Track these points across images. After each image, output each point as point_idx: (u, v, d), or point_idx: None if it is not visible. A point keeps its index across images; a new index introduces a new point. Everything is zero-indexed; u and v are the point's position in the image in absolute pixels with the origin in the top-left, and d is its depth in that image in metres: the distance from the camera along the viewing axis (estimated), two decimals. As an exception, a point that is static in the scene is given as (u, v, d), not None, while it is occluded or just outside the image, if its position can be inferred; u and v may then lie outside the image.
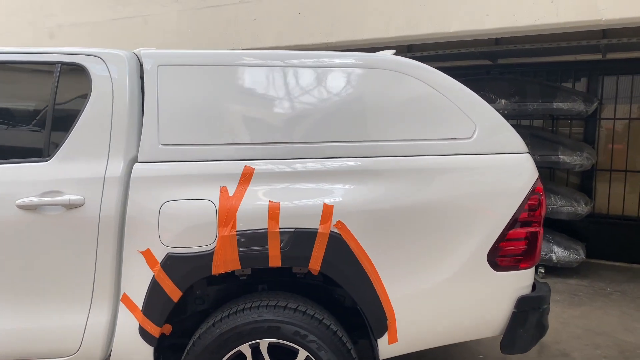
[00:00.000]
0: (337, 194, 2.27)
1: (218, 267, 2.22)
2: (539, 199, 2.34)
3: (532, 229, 2.33)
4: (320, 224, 2.23)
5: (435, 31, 4.33)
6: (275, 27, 5.10)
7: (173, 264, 2.21)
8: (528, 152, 2.42)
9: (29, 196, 2.22)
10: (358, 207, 2.25)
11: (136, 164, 2.28)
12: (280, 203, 2.24)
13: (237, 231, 2.21)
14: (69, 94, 2.39)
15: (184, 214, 2.22)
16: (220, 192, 2.24)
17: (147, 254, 2.23)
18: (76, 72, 2.38)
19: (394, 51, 2.77)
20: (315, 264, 2.24)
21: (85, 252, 2.24)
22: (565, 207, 5.32)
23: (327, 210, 2.24)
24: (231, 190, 2.25)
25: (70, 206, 2.23)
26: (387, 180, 2.28)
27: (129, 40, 6.06)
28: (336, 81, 2.38)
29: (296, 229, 2.22)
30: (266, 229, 2.21)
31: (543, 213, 2.37)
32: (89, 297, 2.27)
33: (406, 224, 2.27)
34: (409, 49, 6.34)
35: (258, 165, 2.28)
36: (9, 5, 7.25)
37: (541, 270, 5.42)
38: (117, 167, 2.28)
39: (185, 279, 2.23)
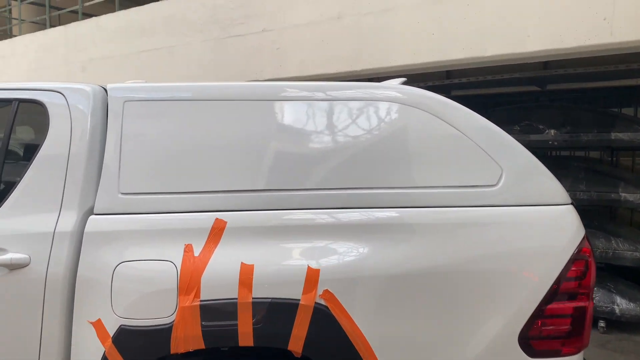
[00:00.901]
0: (325, 254, 1.84)
1: (178, 345, 1.81)
2: (587, 264, 1.82)
3: (579, 303, 1.81)
4: (302, 294, 1.80)
5: (470, 56, 3.87)
6: (298, 55, 4.79)
7: (126, 339, 1.83)
8: (571, 204, 1.91)
9: (-31, 254, 1.91)
10: (351, 272, 1.81)
11: (91, 216, 1.94)
12: (255, 265, 1.83)
13: (200, 301, 1.81)
14: (25, 136, 2.10)
15: (140, 277, 1.85)
16: (184, 251, 1.86)
17: (98, 326, 1.86)
18: (35, 110, 2.09)
19: (403, 79, 2.34)
20: (296, 345, 1.80)
21: (29, 320, 1.90)
22: (629, 252, 4.63)
23: (312, 275, 1.81)
24: (197, 249, 1.86)
25: (13, 266, 1.90)
26: (389, 238, 1.83)
27: (154, 71, 5.91)
28: (331, 115, 1.98)
29: (272, 300, 1.80)
30: (236, 298, 1.80)
31: (592, 282, 1.84)
32: (33, 374, 1.92)
33: (414, 295, 1.80)
34: (447, 75, 5.87)
35: (231, 218, 1.89)
36: (46, 41, 7.33)
37: (602, 324, 4.71)
38: (69, 220, 1.94)
39: (139, 358, 1.84)
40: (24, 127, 2.12)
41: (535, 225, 1.84)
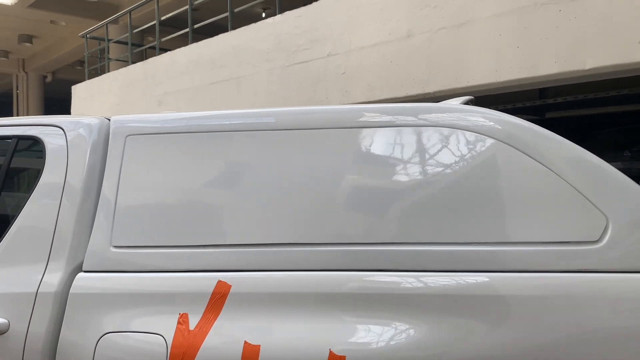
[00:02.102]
0: (355, 334, 1.36)
1: None
2: None
3: None
4: (322, 388, 1.33)
5: (565, 70, 3.25)
6: (365, 80, 4.38)
7: None
8: None
9: (-52, 315, 1.65)
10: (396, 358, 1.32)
11: (79, 274, 1.61)
12: (262, 346, 1.39)
13: (194, 389, 1.40)
14: (22, 178, 1.85)
15: (125, 353, 1.48)
16: (178, 322, 1.47)
17: (78, 411, 1.51)
18: (34, 148, 1.84)
19: (470, 97, 1.84)
20: None
21: (6, 397, 1.59)
22: None
23: (335, 363, 1.34)
24: (194, 321, 1.46)
25: (-9, 332, 1.61)
26: (438, 313, 1.33)
27: (224, 102, 5.78)
28: (363, 147, 1.52)
29: (282, 394, 1.35)
30: (236, 389, 1.37)
31: None
32: None
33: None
34: (541, 94, 5.19)
35: (238, 281, 1.48)
36: (128, 77, 7.52)
37: None
38: (55, 278, 1.63)
39: None
40: (21, 166, 1.88)
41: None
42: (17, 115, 17.63)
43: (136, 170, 1.67)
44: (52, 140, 1.80)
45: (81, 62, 10.95)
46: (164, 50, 7.07)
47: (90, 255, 1.61)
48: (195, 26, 6.57)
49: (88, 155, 1.74)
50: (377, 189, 1.45)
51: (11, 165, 1.84)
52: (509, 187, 1.40)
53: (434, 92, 3.93)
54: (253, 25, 5.41)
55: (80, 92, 8.69)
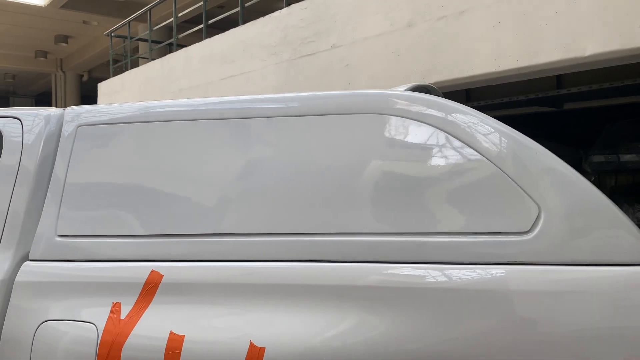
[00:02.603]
0: (278, 326, 1.32)
1: None
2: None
3: None
4: (241, 381, 1.30)
5: (563, 57, 3.11)
6: (368, 71, 4.31)
7: (40, 418, 1.47)
8: (658, 262, 1.21)
9: None
10: (308, 353, 1.28)
11: (25, 263, 1.63)
12: (186, 336, 1.37)
13: (119, 379, 1.39)
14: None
15: (59, 341, 1.49)
16: (110, 311, 1.47)
17: (17, 397, 1.53)
18: (-6, 139, 1.87)
19: (423, 84, 1.77)
20: None
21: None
22: None
23: (254, 354, 1.30)
24: (125, 310, 1.46)
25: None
26: (359, 306, 1.28)
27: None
28: (293, 136, 1.48)
29: (203, 386, 1.32)
30: (159, 380, 1.36)
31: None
32: None
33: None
34: (558, 83, 4.99)
35: (169, 270, 1.46)
36: (147, 73, 7.65)
37: None
38: (3, 266, 1.65)
39: None
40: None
41: (587, 294, 1.17)
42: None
43: (84, 160, 1.67)
44: (9, 132, 1.83)
45: (116, 61, 11.26)
46: (183, 46, 7.15)
47: (37, 244, 1.62)
48: (210, 21, 6.61)
49: (42, 145, 1.76)
50: (302, 180, 1.41)
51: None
52: (442, 174, 1.33)
53: (436, 83, 3.83)
54: (260, 19, 5.40)
55: (105, 89, 8.90)
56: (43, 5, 12.46)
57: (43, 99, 21.93)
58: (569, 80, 4.91)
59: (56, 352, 1.48)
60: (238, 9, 5.92)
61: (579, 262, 1.21)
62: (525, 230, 1.24)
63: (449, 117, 1.37)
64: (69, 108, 1.81)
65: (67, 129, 1.74)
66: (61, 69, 18.27)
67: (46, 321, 1.52)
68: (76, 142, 1.71)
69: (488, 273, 1.24)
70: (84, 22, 13.68)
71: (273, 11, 5.28)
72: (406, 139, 1.37)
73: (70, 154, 1.69)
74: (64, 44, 15.65)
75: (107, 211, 1.58)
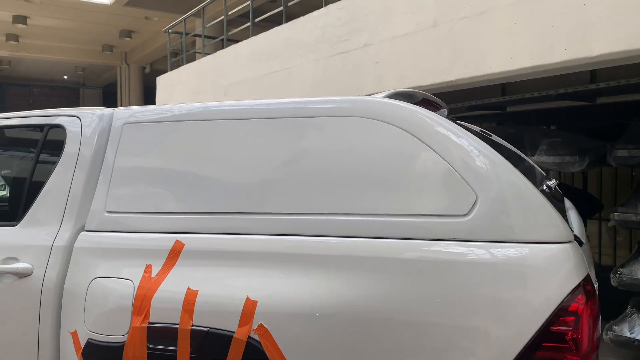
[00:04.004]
0: (267, 285, 1.68)
1: (128, 364, 1.83)
2: (578, 322, 1.36)
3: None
4: (238, 326, 1.67)
5: (573, 57, 3.28)
6: (396, 68, 4.57)
7: (91, 352, 1.91)
8: (572, 241, 1.46)
9: (-6, 261, 2.18)
10: (290, 307, 1.63)
11: (82, 233, 2.07)
12: (199, 291, 1.76)
13: (149, 323, 1.80)
14: (49, 157, 2.34)
15: (105, 293, 1.91)
16: (144, 271, 1.87)
17: (75, 336, 1.97)
18: (59, 134, 2.32)
19: (402, 90, 2.06)
20: (228, 379, 1.67)
21: (30, 325, 2.09)
22: None
23: (249, 307, 1.67)
24: (156, 270, 1.86)
25: (19, 275, 2.12)
26: (333, 272, 1.61)
27: (276, 91, 6.19)
28: (291, 135, 1.82)
29: (210, 330, 1.70)
30: (178, 324, 1.75)
31: (589, 345, 1.37)
32: (34, 375, 2.10)
33: (354, 340, 1.55)
34: (592, 78, 5.05)
35: (190, 240, 1.85)
36: (200, 68, 8.17)
37: None
38: (65, 235, 2.10)
39: (99, 373, 1.89)
40: (49, 148, 2.36)
41: (513, 267, 1.45)
42: (121, 104, 19.34)
43: (128, 152, 2.09)
44: (71, 128, 2.27)
45: (174, 54, 11.96)
46: (235, 41, 7.60)
47: (91, 218, 2.05)
48: (257, 19, 7.02)
49: (95, 140, 2.19)
50: (297, 171, 1.75)
51: (43, 148, 2.33)
52: (404, 168, 1.63)
53: (456, 80, 4.06)
54: (301, 18, 5.74)
55: (163, 83, 9.52)
56: (109, 3, 13.31)
57: (110, 90, 23.23)
58: (603, 74, 4.96)
59: (103, 301, 1.90)
60: (291, 2, 6.28)
61: (507, 240, 1.49)
62: (464, 213, 1.53)
63: (412, 120, 1.67)
64: (117, 109, 2.23)
65: (116, 126, 2.15)
66: (126, 62, 19.32)
67: (97, 277, 1.94)
68: (122, 136, 2.12)
69: (435, 246, 1.54)
70: (146, 18, 14.48)
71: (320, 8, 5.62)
72: (377, 138, 1.69)
73: (118, 146, 2.11)
74: (128, 39, 16.59)
75: (145, 192, 1.99)
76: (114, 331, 1.86)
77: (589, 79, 5.08)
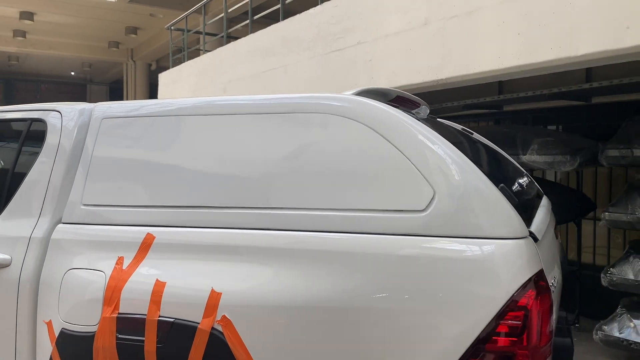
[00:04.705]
0: (231, 277, 1.72)
1: (97, 355, 1.87)
2: (526, 318, 1.38)
3: (511, 367, 1.38)
4: (202, 317, 1.70)
5: (559, 56, 3.28)
6: (388, 66, 4.59)
7: (64, 342, 1.95)
8: (527, 237, 1.48)
9: (-25, 252, 2.23)
10: (253, 299, 1.66)
11: (59, 225, 2.11)
12: (167, 283, 1.79)
13: (118, 313, 1.83)
14: (31, 151, 2.38)
15: (79, 285, 1.96)
16: (116, 263, 1.91)
17: (50, 326, 2.02)
18: (40, 128, 2.36)
19: (368, 88, 2.09)
20: (191, 370, 1.71)
21: (7, 315, 2.14)
22: None
23: (214, 299, 1.70)
24: (127, 262, 1.90)
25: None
26: (290, 265, 1.64)
27: (273, 88, 6.22)
28: (253, 131, 1.85)
29: (175, 320, 1.74)
30: (145, 315, 1.79)
31: (539, 342, 1.39)
32: (11, 365, 2.15)
33: (310, 330, 1.58)
34: (587, 77, 5.05)
35: (160, 233, 1.89)
36: (200, 65, 8.22)
37: None
38: (43, 227, 2.14)
39: (72, 362, 1.93)
40: (31, 141, 2.41)
41: (467, 261, 1.47)
42: (128, 99, 19.46)
43: (105, 146, 2.13)
44: (52, 122, 2.31)
45: (179, 51, 12.03)
46: (236, 38, 7.64)
47: (68, 210, 2.09)
48: (256, 17, 7.05)
49: (75, 133, 2.23)
50: (260, 167, 1.78)
51: (25, 142, 2.37)
52: (364, 163, 1.66)
53: (447, 79, 4.07)
54: (298, 15, 5.77)
55: (165, 79, 9.59)
56: (114, 0, 13.39)
57: (116, 86, 23.37)
58: (598, 74, 4.95)
59: (76, 292, 1.94)
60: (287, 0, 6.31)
61: (462, 235, 1.51)
62: (421, 208, 1.55)
63: (376, 118, 1.69)
64: (98, 104, 2.27)
65: (95, 120, 2.19)
66: (132, 59, 19.43)
67: (71, 269, 1.98)
68: (100, 131, 2.16)
69: (393, 241, 1.56)
70: (151, 14, 14.56)
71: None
72: (335, 133, 1.71)
73: (95, 140, 2.15)
74: (133, 35, 16.68)
75: (119, 186, 2.03)
76: (86, 321, 1.90)
77: (584, 79, 5.08)
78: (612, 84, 4.81)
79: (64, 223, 2.10)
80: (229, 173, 1.83)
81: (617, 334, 4.25)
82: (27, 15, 14.72)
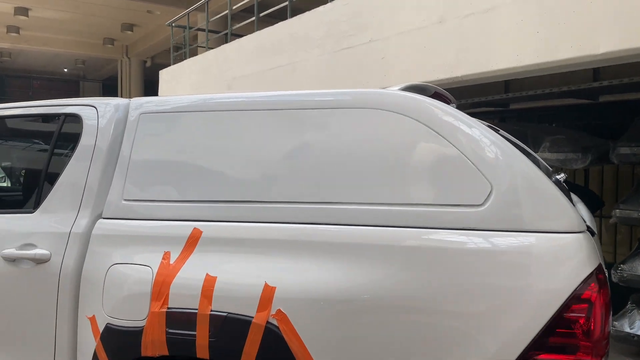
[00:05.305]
0: (285, 272, 1.72)
1: (146, 349, 1.87)
2: (590, 310, 1.41)
3: (574, 358, 1.41)
4: (256, 311, 1.71)
5: (579, 54, 3.32)
6: (401, 64, 4.61)
7: (109, 337, 1.95)
8: (585, 231, 1.51)
9: (12, 247, 2.22)
10: (308, 293, 1.67)
11: (100, 220, 2.10)
12: (218, 278, 1.80)
13: (168, 308, 1.84)
14: (65, 146, 2.37)
15: (124, 279, 1.95)
16: (162, 257, 1.91)
17: (93, 321, 2.01)
18: (75, 123, 2.36)
19: (415, 84, 2.10)
20: (246, 363, 1.72)
21: (48, 311, 2.13)
22: None
23: (267, 293, 1.71)
24: (174, 257, 1.90)
25: (37, 261, 2.16)
26: (347, 259, 1.65)
27: (281, 86, 6.22)
28: (304, 126, 1.86)
29: (229, 315, 1.74)
30: (197, 309, 1.79)
31: (601, 333, 1.42)
32: (51, 359, 2.14)
33: (369, 325, 1.59)
34: (595, 76, 5.10)
35: (208, 228, 1.89)
36: (204, 62, 8.19)
37: None
38: (83, 222, 2.14)
39: (118, 357, 1.93)
40: (66, 137, 2.40)
41: (526, 255, 1.49)
42: (122, 97, 19.36)
43: (145, 141, 2.12)
44: (87, 117, 2.30)
45: (176, 48, 11.99)
46: (239, 36, 7.62)
47: (108, 205, 2.09)
48: (262, 14, 7.04)
49: (112, 131, 2.22)
50: (317, 160, 1.79)
51: (59, 136, 2.37)
52: (415, 157, 1.67)
53: (462, 76, 4.10)
54: (307, 13, 5.77)
55: (165, 76, 9.54)
56: (111, -4, 13.31)
57: (110, 83, 23.22)
58: (606, 72, 5.01)
59: (122, 287, 1.94)
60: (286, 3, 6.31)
61: (520, 229, 1.53)
62: (479, 203, 1.57)
63: (431, 115, 1.71)
64: (133, 99, 2.27)
65: (132, 116, 2.18)
66: (127, 56, 19.31)
67: (114, 264, 1.98)
68: (139, 126, 2.15)
69: (450, 235, 1.58)
70: (148, 11, 14.47)
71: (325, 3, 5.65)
72: (396, 130, 1.72)
73: (134, 135, 2.14)
74: (129, 32, 16.58)
75: (162, 181, 2.02)
76: (133, 316, 1.90)
77: (592, 77, 5.14)
78: (622, 83, 4.88)
79: (104, 218, 2.10)
80: (280, 168, 1.83)
81: (627, 329, 4.32)
82: (22, 11, 14.58)
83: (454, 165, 1.61)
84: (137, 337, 1.88)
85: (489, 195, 1.57)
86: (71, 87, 24.21)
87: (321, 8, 5.55)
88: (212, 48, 8.44)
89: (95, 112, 2.31)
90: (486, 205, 1.56)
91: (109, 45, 18.43)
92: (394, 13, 4.66)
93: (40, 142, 2.48)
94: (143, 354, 1.87)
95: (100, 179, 2.16)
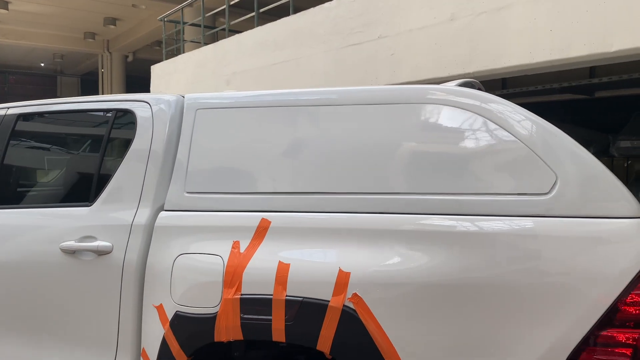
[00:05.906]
0: (358, 257, 1.82)
1: (220, 334, 1.95)
2: (656, 289, 1.55)
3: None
4: (332, 296, 1.81)
5: (592, 52, 3.48)
6: (412, 60, 4.73)
7: (180, 324, 2.02)
8: (645, 216, 1.65)
9: (70, 240, 2.27)
10: (383, 277, 1.77)
11: (162, 212, 2.17)
12: (291, 265, 1.89)
13: (241, 295, 1.92)
14: (120, 140, 2.42)
15: (193, 269, 2.02)
16: (232, 247, 1.99)
17: (160, 310, 2.08)
18: (128, 118, 2.41)
19: (470, 80, 2.22)
20: (324, 345, 1.81)
21: (110, 301, 2.19)
22: None
23: (342, 278, 1.81)
24: (243, 246, 1.98)
25: (99, 252, 2.21)
26: (420, 246, 1.76)
27: (284, 81, 6.28)
28: (369, 121, 1.96)
29: (304, 299, 1.84)
30: (271, 295, 1.88)
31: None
32: (114, 348, 2.20)
33: (446, 305, 1.70)
34: (591, 72, 5.32)
35: (276, 218, 1.98)
36: (200, 58, 8.19)
37: None
38: (144, 214, 2.20)
39: (189, 343, 2.01)
40: (119, 131, 2.45)
41: (591, 239, 1.62)
42: (102, 93, 19.10)
43: (203, 136, 2.19)
44: (141, 112, 2.36)
45: (159, 43, 11.89)
46: (234, 32, 7.64)
47: (170, 198, 2.15)
48: (261, 10, 7.08)
49: (168, 125, 2.28)
50: (390, 154, 1.89)
51: (112, 131, 2.41)
52: (483, 149, 1.79)
53: (474, 72, 4.24)
54: (311, 9, 5.84)
55: (158, 71, 9.49)
56: (97, -10, 13.12)
57: (88, 78, 22.84)
58: (601, 69, 5.23)
59: (192, 276, 2.01)
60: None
61: (584, 215, 1.66)
62: (545, 191, 1.69)
63: (490, 107, 1.83)
64: (188, 95, 2.33)
65: (189, 112, 2.25)
66: (107, 50, 19.04)
67: (182, 254, 2.05)
68: (196, 122, 2.22)
69: (518, 223, 1.70)
70: (133, 5, 14.31)
71: (323, 2, 5.72)
72: (460, 124, 1.84)
73: (192, 131, 2.21)
74: (112, 26, 16.35)
75: (224, 175, 2.10)
76: (204, 304, 1.97)
77: (588, 74, 5.35)
78: (615, 80, 5.10)
79: (166, 210, 2.16)
80: (346, 162, 1.93)
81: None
82: (2, 4, 14.27)
83: (523, 158, 1.73)
84: (210, 323, 1.95)
85: (554, 185, 1.69)
86: (48, 82, 23.73)
87: (327, 4, 5.63)
88: (207, 43, 8.44)
89: (149, 107, 2.37)
90: (552, 194, 1.69)
91: (90, 40, 18.15)
92: (404, 10, 4.77)
93: (96, 137, 2.53)
94: (216, 339, 1.95)
95: (159, 174, 2.22)
